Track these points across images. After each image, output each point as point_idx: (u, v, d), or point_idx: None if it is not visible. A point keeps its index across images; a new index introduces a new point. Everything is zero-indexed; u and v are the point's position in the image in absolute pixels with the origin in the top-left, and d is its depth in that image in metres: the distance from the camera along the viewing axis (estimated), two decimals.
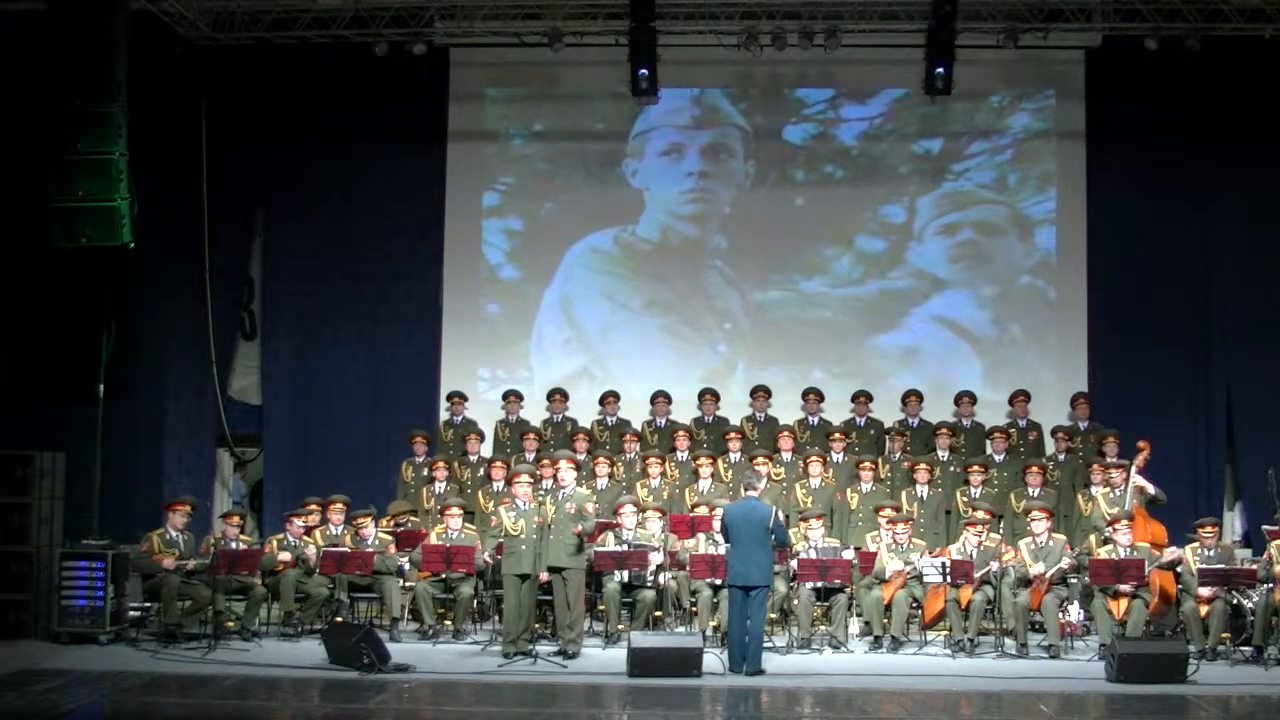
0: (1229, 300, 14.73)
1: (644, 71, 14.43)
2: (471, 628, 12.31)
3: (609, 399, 14.63)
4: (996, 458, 13.62)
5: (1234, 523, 14.65)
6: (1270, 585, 11.13)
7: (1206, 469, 14.57)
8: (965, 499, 13.10)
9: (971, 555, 11.83)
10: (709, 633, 11.65)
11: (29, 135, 12.14)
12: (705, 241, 15.38)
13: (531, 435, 13.94)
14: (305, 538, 12.48)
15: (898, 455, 13.78)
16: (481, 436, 14.30)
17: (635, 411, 14.72)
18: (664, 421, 14.49)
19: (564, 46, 14.53)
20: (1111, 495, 12.49)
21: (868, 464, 13.31)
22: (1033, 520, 11.94)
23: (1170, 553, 11.59)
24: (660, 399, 14.59)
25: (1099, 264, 14.95)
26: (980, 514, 12.31)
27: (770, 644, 11.30)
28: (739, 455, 13.59)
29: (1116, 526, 11.56)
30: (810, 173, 15.35)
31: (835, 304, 15.21)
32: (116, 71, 11.70)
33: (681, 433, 13.99)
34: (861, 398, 14.48)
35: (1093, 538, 12.12)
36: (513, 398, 14.65)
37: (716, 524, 11.83)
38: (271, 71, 14.82)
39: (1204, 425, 14.64)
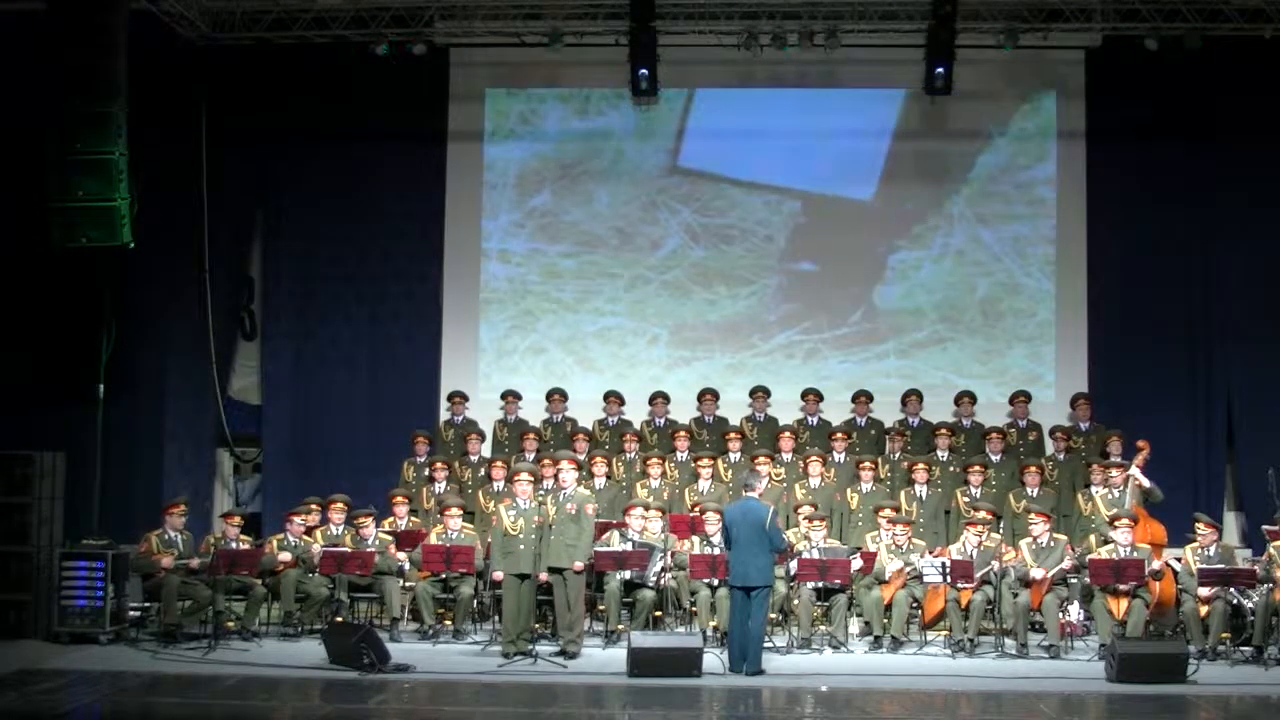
0: (1229, 300, 14.71)
1: (644, 71, 14.45)
2: (471, 628, 12.31)
3: (611, 399, 14.62)
4: (994, 458, 13.62)
5: (1234, 523, 14.64)
6: (1270, 585, 11.13)
7: (1206, 469, 14.56)
8: (965, 499, 13.10)
9: (971, 555, 11.83)
10: (709, 633, 11.65)
11: (29, 135, 12.12)
12: (705, 242, 15.42)
13: (531, 435, 13.94)
14: (306, 537, 12.48)
15: (897, 455, 13.78)
16: (482, 436, 14.30)
17: (633, 412, 14.72)
18: (663, 421, 14.50)
19: (564, 46, 14.55)
20: (1111, 495, 12.50)
21: (868, 464, 13.31)
22: (1031, 524, 11.96)
23: (1158, 564, 11.60)
24: (659, 399, 14.60)
25: (1099, 264, 14.95)
26: (982, 514, 12.31)
27: (770, 644, 11.30)
28: (739, 455, 13.60)
29: (1117, 525, 11.56)
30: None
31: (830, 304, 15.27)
32: (116, 71, 11.67)
33: (681, 433, 13.99)
34: (862, 398, 14.49)
35: (1092, 538, 12.11)
36: (511, 398, 14.65)
37: (710, 527, 11.87)
38: (271, 71, 14.81)
39: (1204, 425, 14.63)
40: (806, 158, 15.33)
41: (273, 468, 15.20)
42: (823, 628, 11.91)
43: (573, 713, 9.92)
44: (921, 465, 13.20)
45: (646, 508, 12.44)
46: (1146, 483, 12.41)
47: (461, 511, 12.54)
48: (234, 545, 12.17)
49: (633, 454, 13.87)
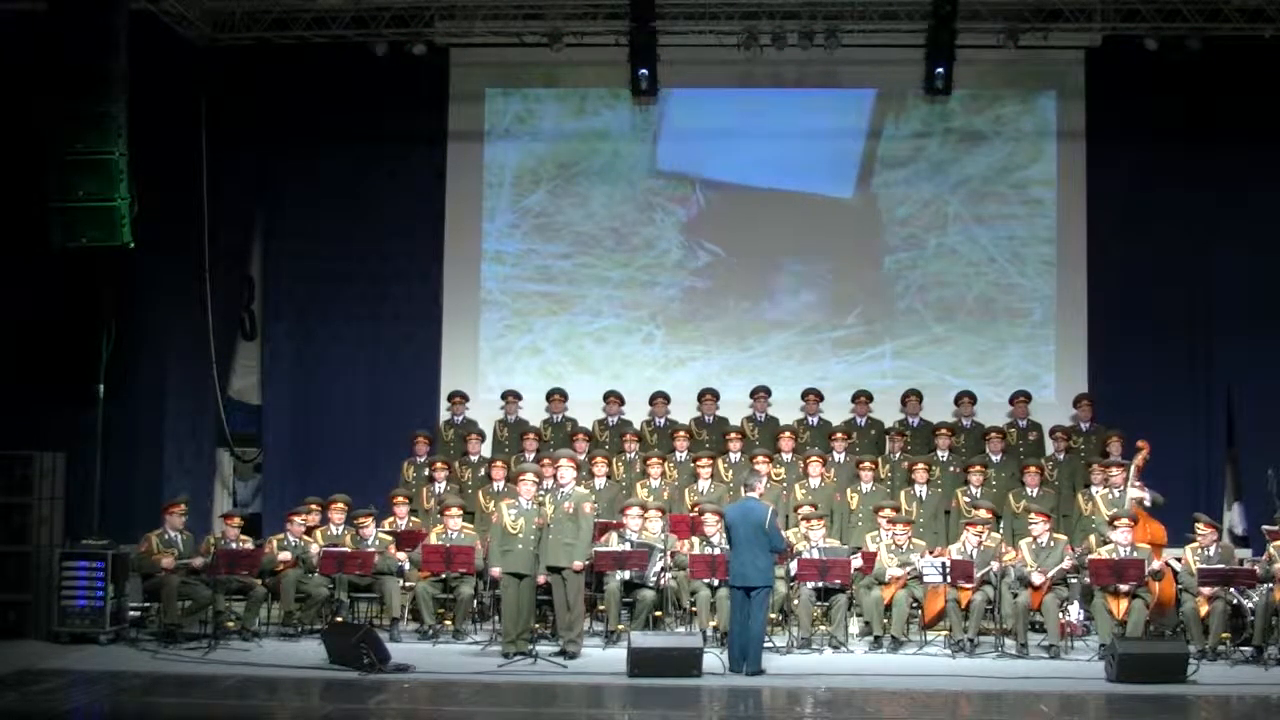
0: (1229, 300, 14.71)
1: (644, 72, 14.46)
2: (471, 628, 12.31)
3: (611, 399, 14.62)
4: (994, 458, 13.62)
5: (1234, 522, 14.65)
6: (1270, 585, 11.13)
7: (1206, 469, 14.56)
8: (965, 499, 13.10)
9: (971, 555, 11.83)
10: (709, 633, 11.65)
11: (29, 135, 12.12)
12: (701, 242, 15.42)
13: (531, 435, 13.94)
14: (306, 537, 12.48)
15: (898, 455, 13.78)
16: (482, 436, 14.30)
17: (633, 412, 14.72)
18: (663, 421, 14.50)
19: (564, 46, 14.56)
20: (1111, 495, 12.50)
21: (868, 464, 13.31)
22: (1031, 524, 11.96)
23: (1158, 564, 11.60)
24: (659, 399, 14.60)
25: (1099, 264, 14.94)
26: (983, 513, 12.31)
27: (770, 644, 11.30)
28: (739, 455, 13.60)
29: (1117, 525, 11.56)
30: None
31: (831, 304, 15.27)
32: (116, 71, 11.67)
33: (681, 433, 13.99)
34: (862, 398, 14.48)
35: (1092, 538, 12.12)
36: (511, 398, 14.65)
37: (709, 527, 11.87)
38: (271, 71, 14.83)
39: (1204, 425, 14.63)
40: (804, 157, 15.31)
41: (273, 468, 15.20)
42: (823, 628, 11.91)
43: (573, 713, 9.92)
44: (921, 465, 13.20)
45: (644, 508, 12.44)
46: (1147, 499, 12.38)
47: (461, 511, 12.54)
48: (234, 545, 12.17)
49: (633, 454, 13.87)
